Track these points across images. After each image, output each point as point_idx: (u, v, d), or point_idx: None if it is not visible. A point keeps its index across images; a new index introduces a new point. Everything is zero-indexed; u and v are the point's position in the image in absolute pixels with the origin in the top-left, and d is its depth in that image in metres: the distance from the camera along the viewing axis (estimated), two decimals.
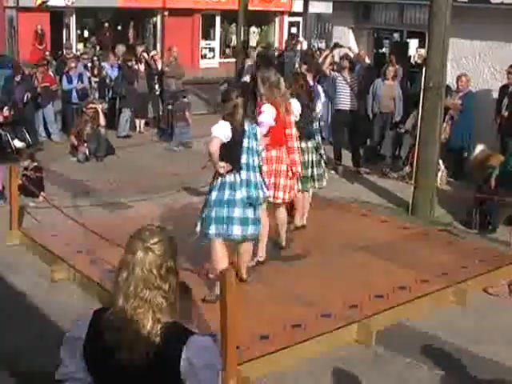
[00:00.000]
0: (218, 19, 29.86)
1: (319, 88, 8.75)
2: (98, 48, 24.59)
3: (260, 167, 6.17)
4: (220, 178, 5.88)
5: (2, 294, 6.55)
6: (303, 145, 7.61)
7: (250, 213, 5.91)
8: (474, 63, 12.08)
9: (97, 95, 14.50)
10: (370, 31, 15.66)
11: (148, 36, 28.39)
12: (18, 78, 12.74)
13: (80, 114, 12.79)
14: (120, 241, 3.38)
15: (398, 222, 8.79)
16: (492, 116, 11.09)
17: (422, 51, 12.79)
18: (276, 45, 28.47)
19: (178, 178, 10.33)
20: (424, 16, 12.21)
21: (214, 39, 30.20)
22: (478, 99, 11.27)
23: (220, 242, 5.94)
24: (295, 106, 7.25)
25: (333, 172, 10.97)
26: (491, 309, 6.50)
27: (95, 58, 16.18)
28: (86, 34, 26.98)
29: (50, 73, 13.91)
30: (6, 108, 11.94)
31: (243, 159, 5.92)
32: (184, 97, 13.73)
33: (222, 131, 5.76)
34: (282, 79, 6.96)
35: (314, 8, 25.92)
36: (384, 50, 17.41)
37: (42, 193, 9.09)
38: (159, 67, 14.84)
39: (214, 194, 5.88)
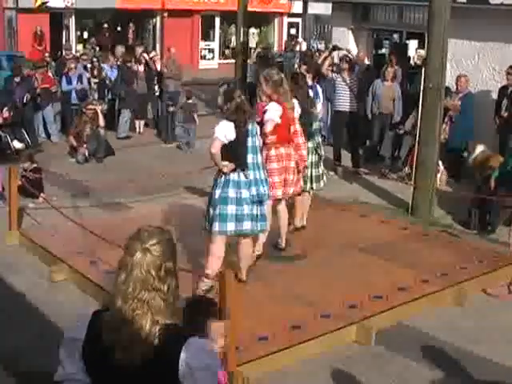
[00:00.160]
0: (217, 20, 29.89)
1: (318, 88, 8.76)
2: (97, 49, 24.59)
3: (263, 164, 6.30)
4: (224, 176, 5.93)
5: (2, 294, 6.55)
6: None
7: (258, 209, 6.06)
8: (474, 64, 12.08)
9: (96, 96, 14.47)
10: (369, 32, 15.66)
11: (147, 37, 28.42)
12: (17, 79, 12.74)
13: (79, 115, 12.76)
14: (120, 242, 3.36)
15: (398, 222, 8.79)
16: (491, 117, 11.09)
17: (422, 52, 12.85)
18: (275, 48, 28.48)
19: (178, 178, 10.33)
20: (423, 17, 12.23)
21: (213, 40, 30.24)
22: (477, 100, 11.26)
23: (223, 241, 5.99)
24: (295, 107, 7.26)
25: (332, 173, 10.97)
26: (491, 309, 6.50)
27: (95, 59, 16.17)
28: (85, 35, 27.03)
29: (50, 74, 13.91)
30: (5, 109, 11.93)
31: (249, 159, 6.01)
32: (188, 98, 13.73)
33: (223, 132, 5.81)
34: (285, 78, 6.99)
35: (314, 9, 26.00)
36: (383, 50, 17.46)
37: (41, 194, 9.10)
38: (158, 68, 14.84)
39: (217, 192, 5.95)
